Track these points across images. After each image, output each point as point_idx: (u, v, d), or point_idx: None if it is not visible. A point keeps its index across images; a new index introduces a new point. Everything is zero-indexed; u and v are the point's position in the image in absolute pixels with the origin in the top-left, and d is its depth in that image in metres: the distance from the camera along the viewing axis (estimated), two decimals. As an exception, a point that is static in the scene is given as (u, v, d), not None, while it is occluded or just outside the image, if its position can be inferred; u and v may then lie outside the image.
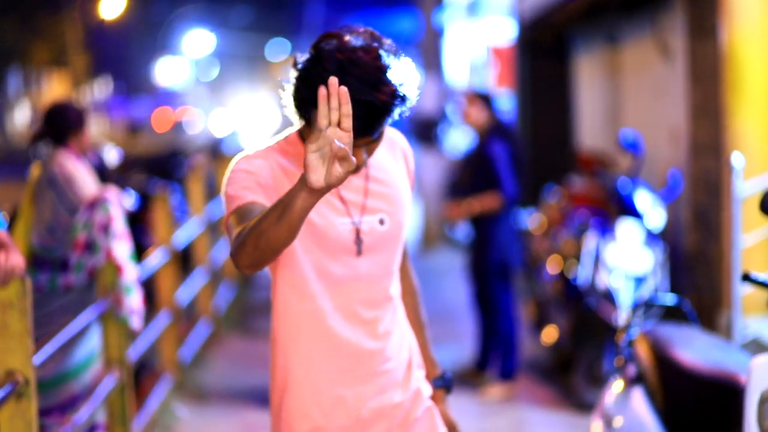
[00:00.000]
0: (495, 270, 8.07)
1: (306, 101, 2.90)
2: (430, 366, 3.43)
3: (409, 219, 3.21)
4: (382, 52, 2.89)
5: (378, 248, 3.09)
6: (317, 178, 2.48)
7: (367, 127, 2.85)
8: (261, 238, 2.68)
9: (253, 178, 2.95)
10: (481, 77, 24.43)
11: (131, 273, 5.90)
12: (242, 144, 19.41)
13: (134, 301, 5.92)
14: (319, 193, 2.53)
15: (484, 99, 8.29)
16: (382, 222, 3.09)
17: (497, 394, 7.95)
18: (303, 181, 2.52)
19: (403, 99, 2.88)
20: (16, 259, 4.06)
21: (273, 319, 3.14)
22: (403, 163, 3.25)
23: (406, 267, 3.39)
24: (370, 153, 2.99)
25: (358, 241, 3.06)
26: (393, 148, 3.23)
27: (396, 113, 2.89)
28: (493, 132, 8.09)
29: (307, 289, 3.05)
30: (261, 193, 2.92)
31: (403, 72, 2.90)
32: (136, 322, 5.95)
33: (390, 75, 2.86)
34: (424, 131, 18.25)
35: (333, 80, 2.45)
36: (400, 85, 2.87)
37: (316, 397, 3.09)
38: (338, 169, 2.48)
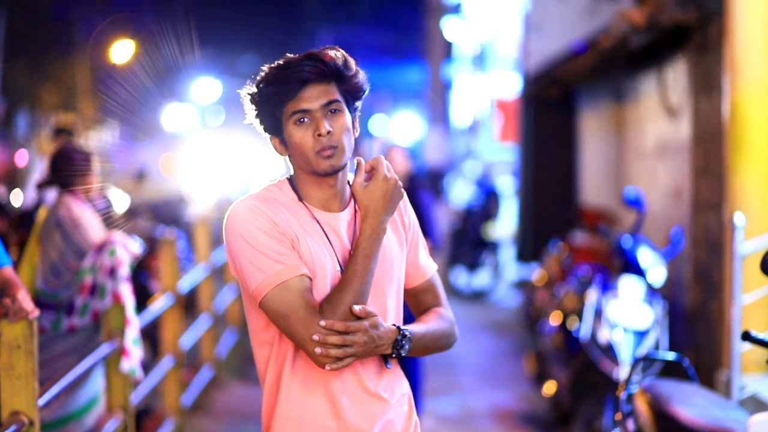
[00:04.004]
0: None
1: (261, 121, 3.11)
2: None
3: (401, 270, 3.20)
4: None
5: None
6: None
7: (321, 76, 3.00)
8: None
9: (272, 228, 2.99)
10: (486, 130, 24.52)
11: (136, 326, 5.95)
12: (248, 189, 19.49)
13: (140, 352, 5.97)
14: None
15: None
16: None
17: None
18: None
19: (347, 63, 3.06)
20: (29, 305, 4.13)
21: (263, 360, 3.12)
22: (397, 216, 3.25)
23: (437, 309, 3.31)
24: (336, 126, 3.02)
25: None
26: None
27: (348, 81, 3.06)
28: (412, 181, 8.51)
29: None
30: (291, 250, 2.99)
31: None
32: (140, 373, 5.99)
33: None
34: (430, 182, 18.35)
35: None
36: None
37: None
38: None
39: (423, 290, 3.30)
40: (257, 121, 3.10)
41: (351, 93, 3.09)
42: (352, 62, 3.07)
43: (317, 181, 3.08)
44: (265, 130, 3.11)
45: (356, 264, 2.98)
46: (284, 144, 3.08)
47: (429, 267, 3.31)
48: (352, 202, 3.17)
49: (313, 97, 2.99)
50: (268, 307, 2.96)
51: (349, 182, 3.17)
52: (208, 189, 16.78)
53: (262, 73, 3.05)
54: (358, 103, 3.14)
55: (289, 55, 3.05)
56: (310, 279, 2.99)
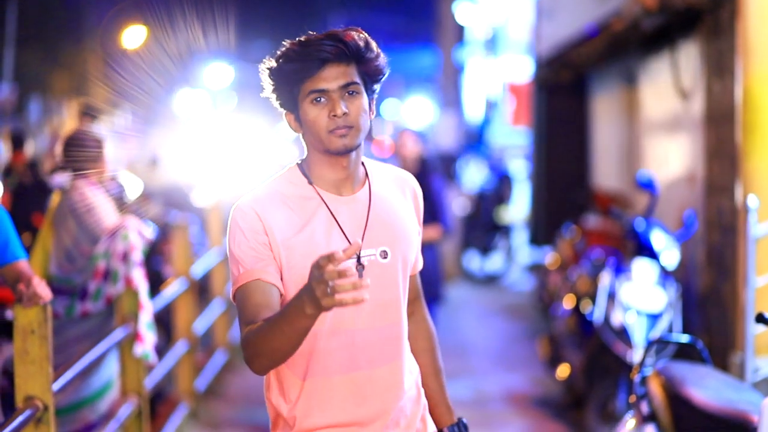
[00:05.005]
0: (429, 299, 7.89)
1: (278, 96, 3.06)
2: (446, 412, 3.41)
3: (413, 256, 3.17)
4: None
5: (379, 283, 3.04)
6: (325, 303, 2.51)
7: (341, 56, 2.95)
8: (270, 354, 2.82)
9: (258, 238, 2.97)
10: (498, 114, 24.48)
11: (149, 311, 5.97)
12: (261, 175, 19.46)
13: (153, 337, 5.98)
14: (319, 314, 2.59)
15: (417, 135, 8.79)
16: (385, 255, 3.06)
17: None
18: (304, 302, 2.57)
19: (368, 45, 3.00)
20: (43, 290, 4.14)
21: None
22: (412, 202, 3.23)
23: (420, 309, 3.37)
24: (353, 107, 2.98)
25: (360, 267, 3.02)
26: (403, 186, 3.23)
27: (368, 63, 3.01)
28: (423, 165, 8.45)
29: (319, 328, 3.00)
30: (267, 260, 2.96)
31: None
32: (153, 358, 6.00)
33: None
34: (443, 167, 18.33)
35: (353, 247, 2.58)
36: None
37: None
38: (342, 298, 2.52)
39: (411, 278, 3.27)
40: (273, 96, 3.06)
41: (370, 75, 3.04)
42: (373, 44, 3.02)
43: (330, 162, 3.03)
44: (281, 106, 3.07)
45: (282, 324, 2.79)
46: (299, 121, 3.04)
47: (420, 259, 3.30)
48: (367, 183, 3.12)
49: (332, 78, 2.94)
50: (235, 299, 2.98)
51: (363, 163, 3.15)
52: (217, 175, 16.80)
53: (282, 49, 3.00)
54: (377, 86, 3.10)
55: (310, 32, 3.01)
56: (279, 292, 2.96)
